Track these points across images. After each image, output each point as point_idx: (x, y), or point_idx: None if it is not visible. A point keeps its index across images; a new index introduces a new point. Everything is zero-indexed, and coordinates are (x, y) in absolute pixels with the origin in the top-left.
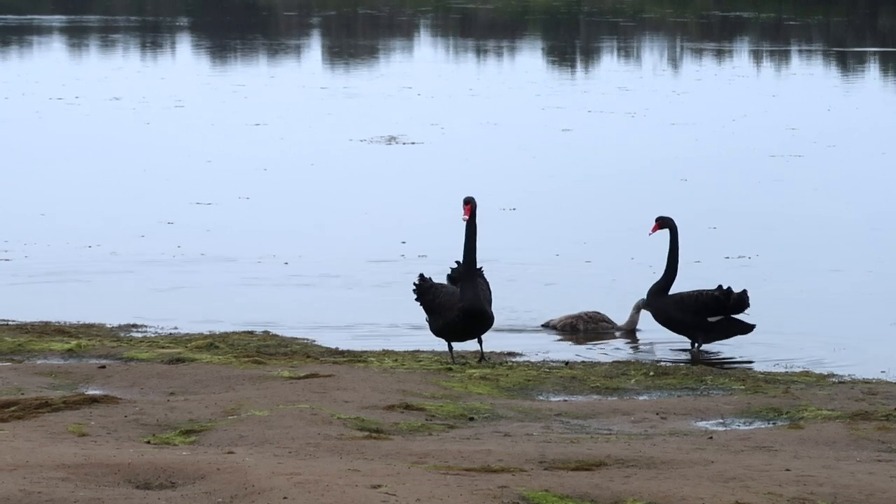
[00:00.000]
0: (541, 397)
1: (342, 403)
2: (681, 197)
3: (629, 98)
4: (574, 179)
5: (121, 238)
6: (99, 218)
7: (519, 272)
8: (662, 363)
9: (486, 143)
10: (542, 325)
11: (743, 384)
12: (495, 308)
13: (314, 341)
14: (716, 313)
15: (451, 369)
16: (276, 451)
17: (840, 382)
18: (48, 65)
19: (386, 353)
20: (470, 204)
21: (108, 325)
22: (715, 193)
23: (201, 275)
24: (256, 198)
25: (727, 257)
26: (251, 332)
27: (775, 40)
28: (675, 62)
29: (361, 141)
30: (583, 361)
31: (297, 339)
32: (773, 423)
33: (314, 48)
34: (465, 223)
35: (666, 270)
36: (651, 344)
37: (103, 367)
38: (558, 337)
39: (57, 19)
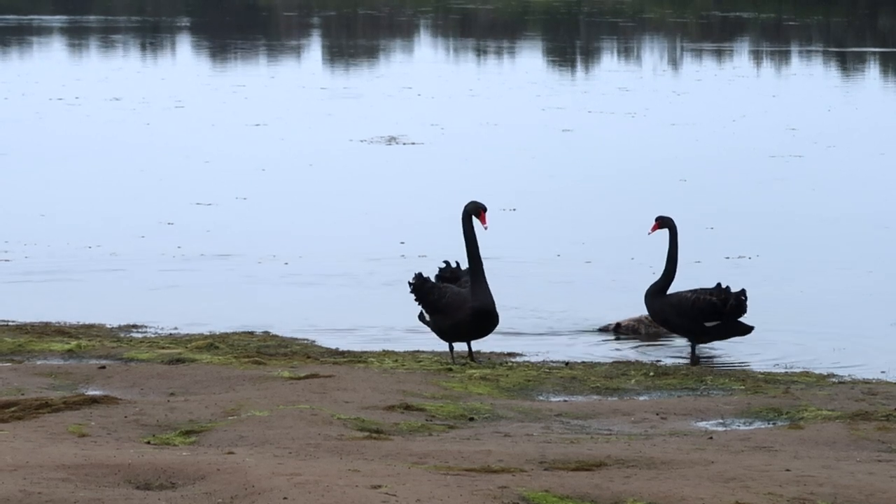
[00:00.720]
0: (541, 398)
1: (342, 404)
2: (680, 197)
3: (629, 98)
4: (574, 180)
5: (121, 238)
6: (99, 218)
7: (520, 272)
8: (662, 364)
9: (487, 143)
10: (602, 329)
11: (743, 384)
12: (502, 308)
13: (314, 342)
14: (712, 318)
15: (451, 370)
16: (277, 451)
17: (840, 383)
18: (48, 65)
19: (386, 353)
20: (485, 211)
21: (109, 326)
22: (715, 194)
23: (201, 275)
24: (256, 198)
25: (727, 257)
26: (251, 333)
27: (775, 40)
28: (675, 62)
29: (361, 141)
30: (583, 362)
31: (297, 339)
32: (773, 424)
33: (314, 48)
34: (462, 224)
35: (665, 270)
36: (651, 344)
37: (103, 367)
38: (612, 338)
39: (57, 20)
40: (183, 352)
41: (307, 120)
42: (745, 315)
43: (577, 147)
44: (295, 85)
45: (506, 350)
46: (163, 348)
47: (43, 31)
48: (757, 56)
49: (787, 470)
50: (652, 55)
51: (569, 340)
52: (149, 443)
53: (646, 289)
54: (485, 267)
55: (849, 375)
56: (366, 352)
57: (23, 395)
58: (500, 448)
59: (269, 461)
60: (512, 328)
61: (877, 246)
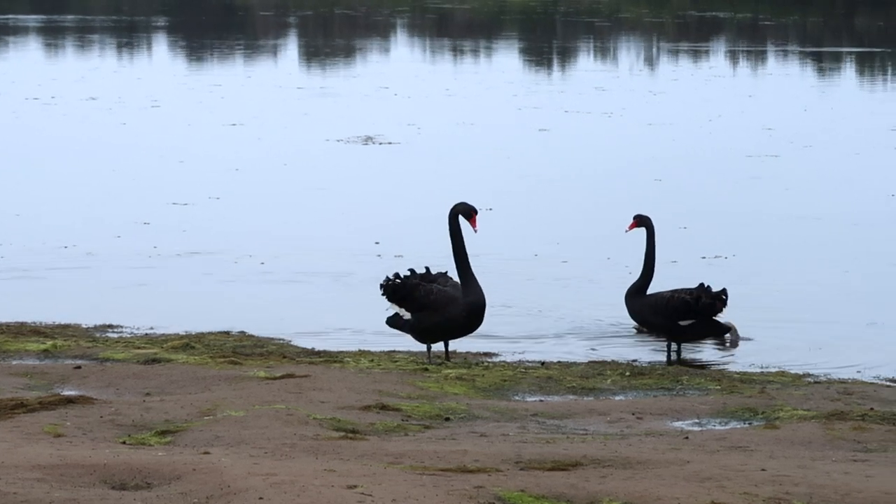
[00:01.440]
0: (517, 397)
1: (318, 404)
2: (656, 197)
3: (606, 98)
4: (550, 179)
5: (97, 238)
6: (75, 218)
7: (497, 272)
8: (638, 364)
9: (463, 143)
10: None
11: (719, 384)
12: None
13: (290, 342)
14: (686, 317)
15: (427, 370)
16: (252, 451)
17: (816, 382)
18: (25, 64)
19: (362, 353)
20: (476, 214)
21: (84, 326)
22: (691, 193)
23: (177, 275)
24: (231, 198)
25: (703, 257)
26: (227, 333)
27: (752, 40)
28: (651, 62)
29: (338, 141)
30: (559, 362)
31: (272, 339)
32: (749, 423)
33: (291, 48)
34: (448, 223)
35: (643, 270)
36: (627, 344)
37: (79, 367)
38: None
39: (34, 19)
40: (158, 352)
41: (284, 120)
42: (724, 314)
43: (554, 147)
44: (271, 84)
45: (482, 350)
46: (138, 348)
47: (19, 31)
48: (733, 56)
49: (763, 470)
50: (628, 55)
51: (545, 340)
52: (124, 443)
53: (625, 289)
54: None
55: (824, 375)
56: (342, 352)
57: None
58: (475, 448)
59: (244, 461)
60: (489, 328)
61: (853, 245)
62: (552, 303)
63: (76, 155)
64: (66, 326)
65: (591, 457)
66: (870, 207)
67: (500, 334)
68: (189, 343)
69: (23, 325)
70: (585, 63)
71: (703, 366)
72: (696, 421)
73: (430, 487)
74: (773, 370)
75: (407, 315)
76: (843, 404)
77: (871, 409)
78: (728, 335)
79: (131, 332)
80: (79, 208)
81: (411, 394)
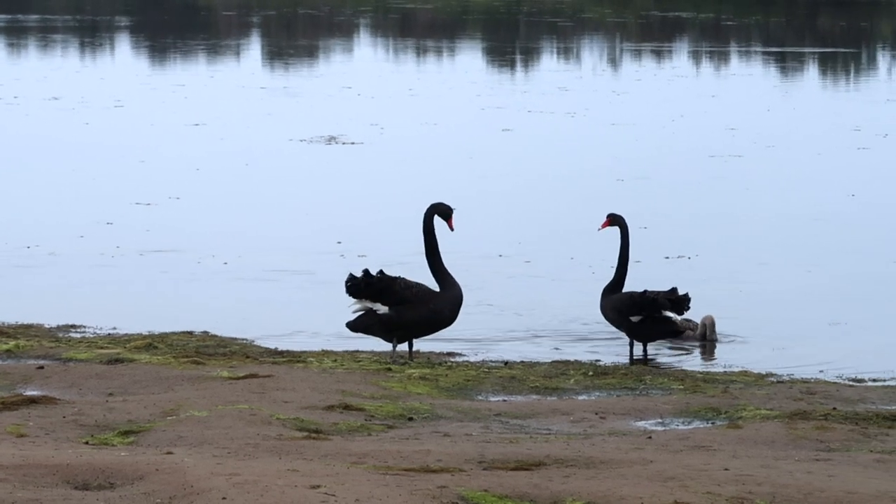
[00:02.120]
0: (480, 397)
1: (281, 404)
2: (619, 197)
3: (569, 98)
4: (513, 179)
5: (59, 238)
6: (37, 218)
7: (461, 272)
8: (601, 363)
9: (426, 143)
10: None
11: (682, 384)
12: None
13: (253, 341)
14: (632, 312)
15: (390, 369)
16: (216, 451)
17: (779, 382)
18: None
19: (325, 353)
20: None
21: (47, 326)
22: (655, 193)
23: (140, 275)
24: (195, 198)
25: (667, 257)
26: (190, 333)
27: (715, 41)
28: (614, 62)
29: (301, 141)
30: (522, 361)
31: (236, 339)
32: (712, 423)
33: (254, 48)
34: (423, 221)
35: (616, 269)
36: (590, 344)
37: (42, 367)
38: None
39: None
40: (122, 352)
41: (247, 119)
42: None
43: (517, 147)
44: (235, 84)
45: (445, 350)
46: (101, 348)
47: None
48: (696, 56)
49: (726, 469)
50: (592, 55)
51: (508, 339)
52: (87, 443)
53: (589, 287)
54: (425, 268)
55: (787, 375)
56: (305, 352)
57: None
58: (439, 448)
59: (207, 461)
60: (452, 327)
61: (815, 245)
62: (515, 303)
63: (39, 155)
64: (29, 326)
65: (555, 456)
66: (832, 207)
67: (464, 334)
68: (152, 343)
69: None
70: (549, 63)
71: (666, 365)
72: (660, 420)
73: (394, 487)
74: (736, 370)
75: (382, 309)
76: (805, 404)
77: (834, 408)
78: (707, 332)
79: (94, 332)
80: (42, 208)
81: (374, 394)
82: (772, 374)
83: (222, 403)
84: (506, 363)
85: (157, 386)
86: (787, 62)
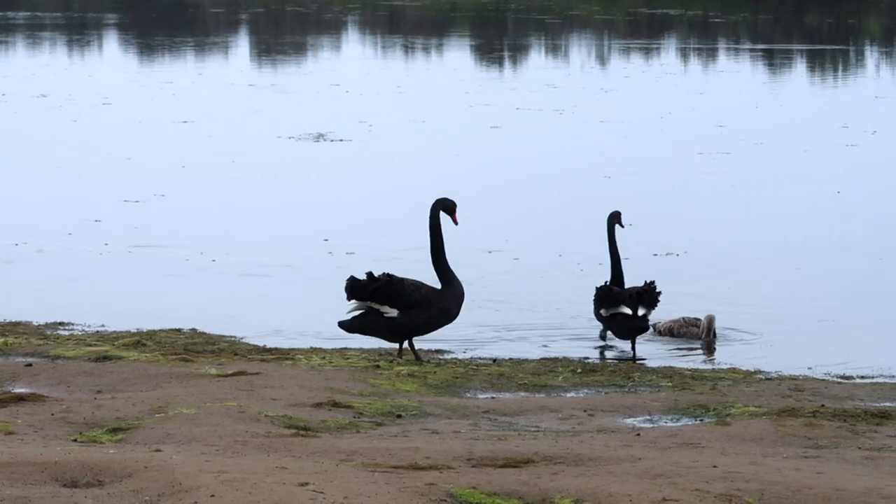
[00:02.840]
0: (468, 394)
1: (270, 401)
2: (609, 194)
3: (557, 95)
4: (502, 177)
5: (48, 235)
6: (26, 215)
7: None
8: (590, 360)
9: (414, 140)
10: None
11: (670, 381)
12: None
13: (242, 339)
14: (598, 305)
15: (378, 367)
16: (204, 448)
17: (767, 379)
18: None
19: (314, 350)
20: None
21: (35, 323)
22: (643, 190)
23: (128, 272)
24: (184, 195)
25: (655, 254)
26: (178, 330)
27: (703, 38)
28: (602, 59)
29: (290, 138)
30: (510, 359)
31: (224, 336)
32: (701, 420)
33: (242, 45)
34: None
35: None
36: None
37: (30, 364)
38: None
39: None
40: (110, 349)
41: (235, 117)
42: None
43: (505, 144)
44: (223, 82)
45: (434, 347)
46: (90, 346)
47: None
48: (684, 53)
49: (715, 466)
50: (580, 52)
51: (497, 337)
52: (76, 440)
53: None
54: (413, 265)
55: (776, 372)
56: (293, 349)
57: None
58: (427, 445)
59: (196, 459)
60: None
61: (803, 243)
62: (504, 300)
63: (27, 152)
64: (17, 324)
65: (543, 454)
66: (819, 204)
67: (453, 331)
68: (140, 340)
69: None
70: (537, 60)
71: (654, 363)
72: (648, 418)
73: (382, 485)
74: (725, 367)
75: (391, 313)
76: (794, 401)
77: (822, 405)
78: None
79: (83, 330)
80: (30, 205)
81: (363, 391)
82: (760, 372)
83: (211, 401)
84: (494, 360)
85: (145, 383)
86: (775, 59)
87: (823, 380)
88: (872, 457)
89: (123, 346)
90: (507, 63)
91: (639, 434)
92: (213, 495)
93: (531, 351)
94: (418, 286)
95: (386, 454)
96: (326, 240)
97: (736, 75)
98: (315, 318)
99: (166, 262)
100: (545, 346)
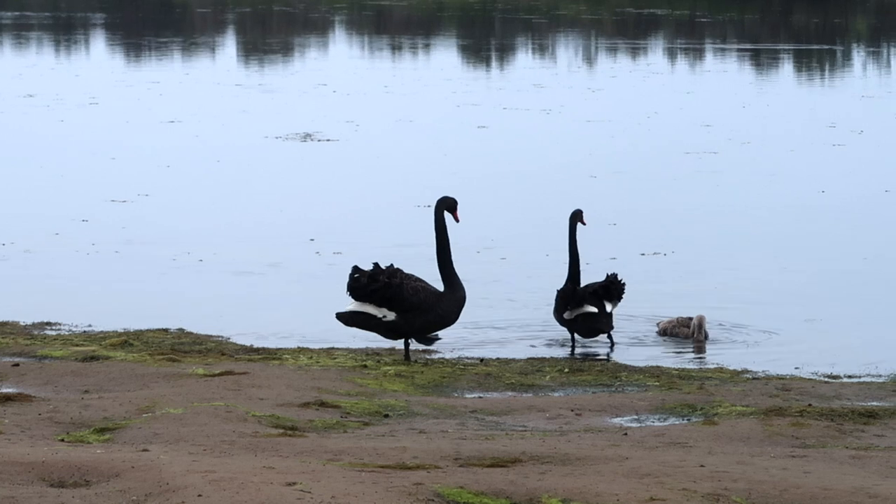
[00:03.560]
0: (456, 394)
1: (257, 401)
2: (597, 193)
3: (544, 95)
4: (489, 176)
5: (35, 236)
6: (13, 215)
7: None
8: (577, 360)
9: (402, 140)
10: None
11: (657, 381)
12: None
13: (229, 339)
14: (564, 309)
15: (366, 366)
16: (191, 448)
17: (754, 379)
18: None
19: (301, 350)
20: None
21: (22, 323)
22: (631, 190)
23: (115, 272)
24: (171, 195)
25: (643, 254)
26: (166, 330)
27: (690, 37)
28: (589, 59)
29: (277, 138)
30: (497, 358)
31: (211, 336)
32: (688, 420)
33: (229, 45)
34: (434, 218)
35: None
36: (566, 341)
37: (17, 364)
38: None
39: None
40: (97, 349)
41: (222, 117)
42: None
43: (492, 144)
44: (210, 81)
45: (421, 347)
46: (77, 346)
47: None
48: (671, 53)
49: (702, 466)
50: (567, 52)
51: (484, 337)
52: (63, 440)
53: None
54: (402, 265)
55: (763, 372)
56: (280, 349)
57: None
58: (415, 445)
59: (183, 458)
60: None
61: (789, 243)
62: (491, 299)
63: (14, 152)
64: (4, 324)
65: (531, 453)
66: (804, 204)
67: (441, 331)
68: (128, 340)
69: None
70: (524, 60)
71: (641, 362)
72: (635, 417)
73: (370, 484)
74: (712, 366)
75: (390, 316)
76: (781, 400)
77: (810, 405)
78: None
79: (70, 330)
80: (17, 205)
81: (350, 391)
82: (747, 371)
83: (198, 401)
84: (481, 360)
85: (132, 383)
86: (762, 59)
87: (811, 379)
88: (860, 456)
89: (111, 345)
90: (494, 63)
91: (626, 433)
92: (200, 495)
93: (518, 350)
94: (418, 290)
95: (373, 454)
96: (312, 239)
97: (723, 75)
98: (302, 317)
99: (153, 261)
100: (532, 345)
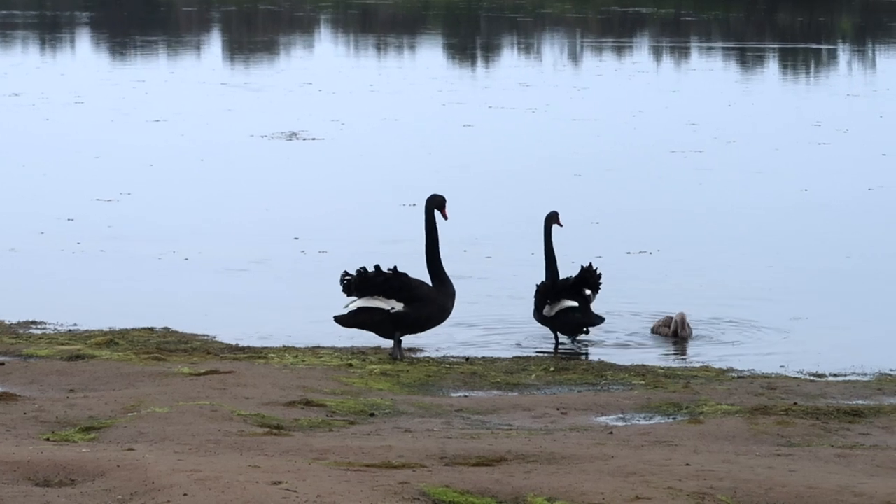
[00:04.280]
0: (441, 393)
1: (242, 400)
2: (582, 192)
3: (530, 94)
4: (474, 175)
5: (20, 234)
6: None
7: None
8: (562, 359)
9: (387, 138)
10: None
11: (643, 379)
12: None
13: (214, 337)
14: (543, 305)
15: (351, 365)
16: (177, 447)
17: (739, 377)
18: None
19: (286, 349)
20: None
21: (7, 322)
22: (616, 188)
23: (101, 271)
24: (156, 194)
25: (628, 252)
26: (151, 329)
27: (675, 36)
28: (575, 58)
29: (262, 137)
30: (483, 357)
31: (197, 335)
32: (673, 418)
33: (214, 44)
34: (425, 216)
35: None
36: (551, 340)
37: (2, 364)
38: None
39: None
40: (82, 348)
41: (207, 115)
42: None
43: (478, 142)
44: (195, 80)
45: (406, 346)
46: (62, 345)
47: None
48: (657, 51)
49: (688, 464)
50: (552, 51)
51: (470, 335)
52: (48, 439)
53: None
54: (387, 263)
55: (748, 370)
56: (266, 348)
57: None
58: (400, 444)
59: (169, 457)
60: None
61: (776, 241)
62: (477, 298)
63: None
64: None
65: (516, 452)
66: (792, 202)
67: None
68: (113, 339)
69: None
70: (509, 59)
71: (626, 361)
72: (621, 416)
73: (355, 483)
74: (697, 365)
75: (398, 307)
76: (766, 399)
77: (795, 403)
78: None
79: (55, 329)
80: (2, 204)
81: (336, 390)
82: (733, 370)
83: (183, 400)
84: (467, 359)
85: (118, 382)
86: (747, 57)
87: (796, 378)
88: (845, 454)
89: (96, 344)
90: (479, 61)
91: (612, 432)
92: (185, 494)
93: (504, 349)
94: (420, 282)
95: (359, 453)
96: (297, 238)
97: (708, 73)
98: (288, 316)
99: (139, 260)
100: (518, 344)
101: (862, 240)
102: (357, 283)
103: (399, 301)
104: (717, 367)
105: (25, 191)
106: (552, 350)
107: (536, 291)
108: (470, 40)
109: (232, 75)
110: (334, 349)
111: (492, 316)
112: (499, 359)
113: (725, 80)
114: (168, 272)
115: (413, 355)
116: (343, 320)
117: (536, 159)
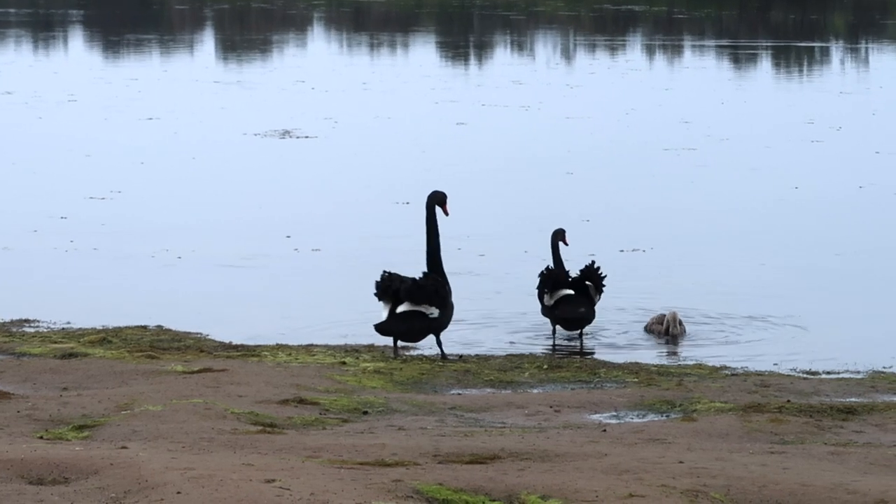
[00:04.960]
0: (435, 391)
1: (236, 398)
2: (575, 190)
3: (523, 92)
4: (467, 173)
5: (13, 233)
6: None
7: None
8: (556, 356)
9: (380, 136)
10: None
11: (636, 377)
12: None
13: (208, 336)
14: (542, 294)
15: (344, 363)
16: (170, 445)
17: (733, 375)
18: None
19: (279, 347)
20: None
21: (0, 320)
22: (609, 186)
23: (94, 269)
24: (150, 192)
25: (622, 250)
26: (144, 327)
27: (668, 34)
28: (568, 56)
29: (255, 135)
30: (476, 355)
31: (190, 333)
32: (667, 416)
33: (207, 42)
34: (426, 213)
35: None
36: (545, 337)
37: None
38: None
39: None
40: (76, 346)
41: (200, 113)
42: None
43: (471, 140)
44: (188, 78)
45: (400, 343)
46: (55, 343)
47: None
48: (650, 49)
49: (681, 462)
50: (545, 49)
51: (463, 333)
52: (41, 438)
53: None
54: (381, 261)
55: (742, 368)
56: (259, 346)
57: None
58: (394, 442)
59: (162, 455)
60: None
61: (769, 238)
62: (470, 296)
63: None
64: None
65: (510, 450)
66: (785, 200)
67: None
68: (106, 337)
69: None
70: (502, 57)
71: (620, 359)
72: (614, 413)
73: (349, 481)
74: (691, 363)
75: (434, 313)
76: (760, 396)
77: (788, 401)
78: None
79: (48, 327)
80: None
81: (329, 388)
82: (726, 367)
83: (177, 398)
84: (460, 357)
85: (111, 380)
86: (740, 55)
87: (789, 375)
88: (838, 452)
89: (89, 343)
90: (472, 59)
91: (605, 430)
92: (179, 492)
93: (497, 347)
94: (442, 284)
95: (352, 451)
96: (289, 236)
97: (701, 71)
98: (281, 314)
99: (132, 258)
100: (511, 342)
101: (854, 237)
102: (408, 292)
103: (436, 307)
104: (710, 364)
105: (18, 189)
106: (546, 348)
107: (542, 277)
108: (463, 38)
109: (225, 73)
110: (328, 347)
111: (485, 314)
112: (492, 356)
113: (718, 77)
114: (161, 270)
115: (406, 353)
116: (386, 328)
117: (529, 157)
